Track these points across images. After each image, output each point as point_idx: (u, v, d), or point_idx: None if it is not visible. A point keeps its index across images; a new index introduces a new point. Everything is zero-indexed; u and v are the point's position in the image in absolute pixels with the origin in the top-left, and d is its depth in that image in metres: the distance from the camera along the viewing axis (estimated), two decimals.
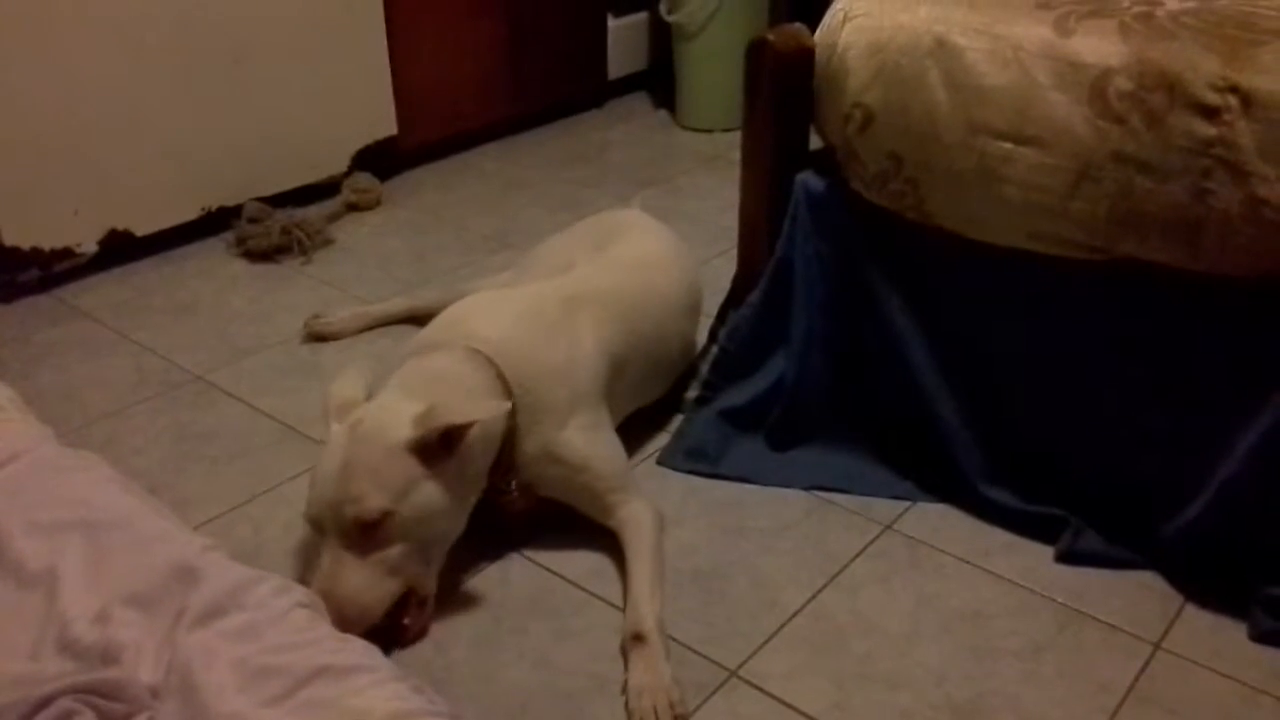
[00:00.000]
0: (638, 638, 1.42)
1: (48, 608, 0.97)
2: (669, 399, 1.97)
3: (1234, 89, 1.36)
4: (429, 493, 1.42)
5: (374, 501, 1.38)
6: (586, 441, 1.60)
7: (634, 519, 1.59)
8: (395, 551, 1.41)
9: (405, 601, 1.45)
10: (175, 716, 0.88)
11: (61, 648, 0.93)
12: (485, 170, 3.09)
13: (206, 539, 1.10)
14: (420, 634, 1.48)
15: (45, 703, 0.87)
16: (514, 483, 1.58)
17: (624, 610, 1.50)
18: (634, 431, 1.91)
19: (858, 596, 1.56)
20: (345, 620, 1.29)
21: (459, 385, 1.51)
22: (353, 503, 1.38)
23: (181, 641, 0.93)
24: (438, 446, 1.42)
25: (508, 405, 1.50)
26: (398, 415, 1.44)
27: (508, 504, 1.60)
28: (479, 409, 1.45)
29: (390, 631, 1.44)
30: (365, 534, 1.39)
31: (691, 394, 1.94)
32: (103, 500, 1.11)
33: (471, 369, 1.53)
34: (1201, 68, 1.38)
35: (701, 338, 2.01)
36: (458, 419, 1.41)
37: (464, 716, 0.92)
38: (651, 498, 1.65)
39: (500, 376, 1.54)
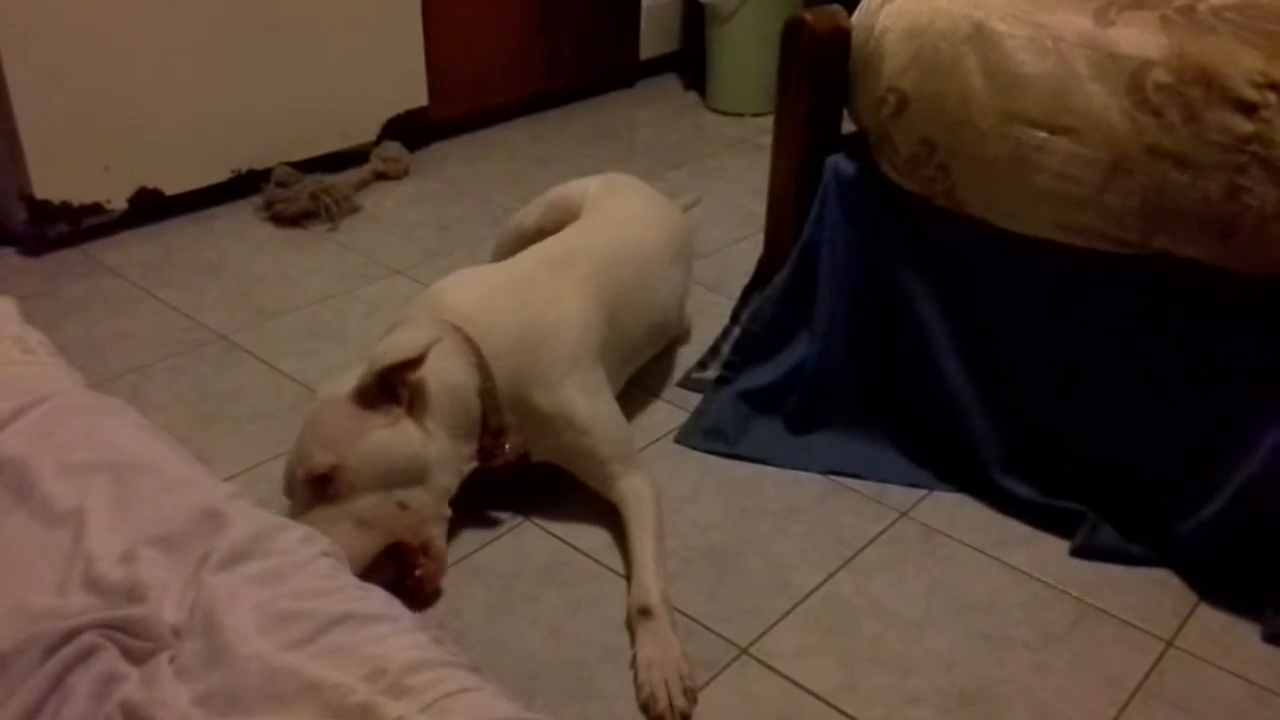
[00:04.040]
0: (644, 612, 1.42)
1: (75, 545, 0.98)
2: (676, 372, 1.98)
3: (1273, 86, 1.35)
4: (378, 440, 1.44)
5: (320, 457, 1.42)
6: (589, 404, 1.61)
7: (635, 493, 1.59)
8: (360, 503, 1.43)
9: (404, 554, 1.46)
10: (197, 656, 0.89)
11: (87, 584, 0.95)
12: (513, 145, 3.09)
13: (232, 486, 1.11)
14: (436, 577, 1.48)
15: (70, 636, 0.89)
16: (508, 446, 1.59)
17: (628, 584, 1.50)
18: (651, 409, 1.92)
19: (870, 581, 1.56)
20: None
21: (410, 342, 1.50)
22: (303, 464, 1.43)
23: (206, 583, 0.94)
24: (380, 393, 1.46)
25: (435, 336, 1.50)
26: (346, 379, 1.49)
27: (504, 467, 1.60)
28: (413, 348, 1.46)
29: (406, 586, 1.45)
30: (321, 490, 1.42)
31: (711, 374, 1.94)
32: (131, 444, 1.12)
33: (435, 334, 1.54)
34: (1242, 63, 1.37)
35: (696, 289, 2.01)
36: (392, 360, 1.44)
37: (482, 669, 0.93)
38: (664, 475, 1.65)
39: (468, 341, 1.55)
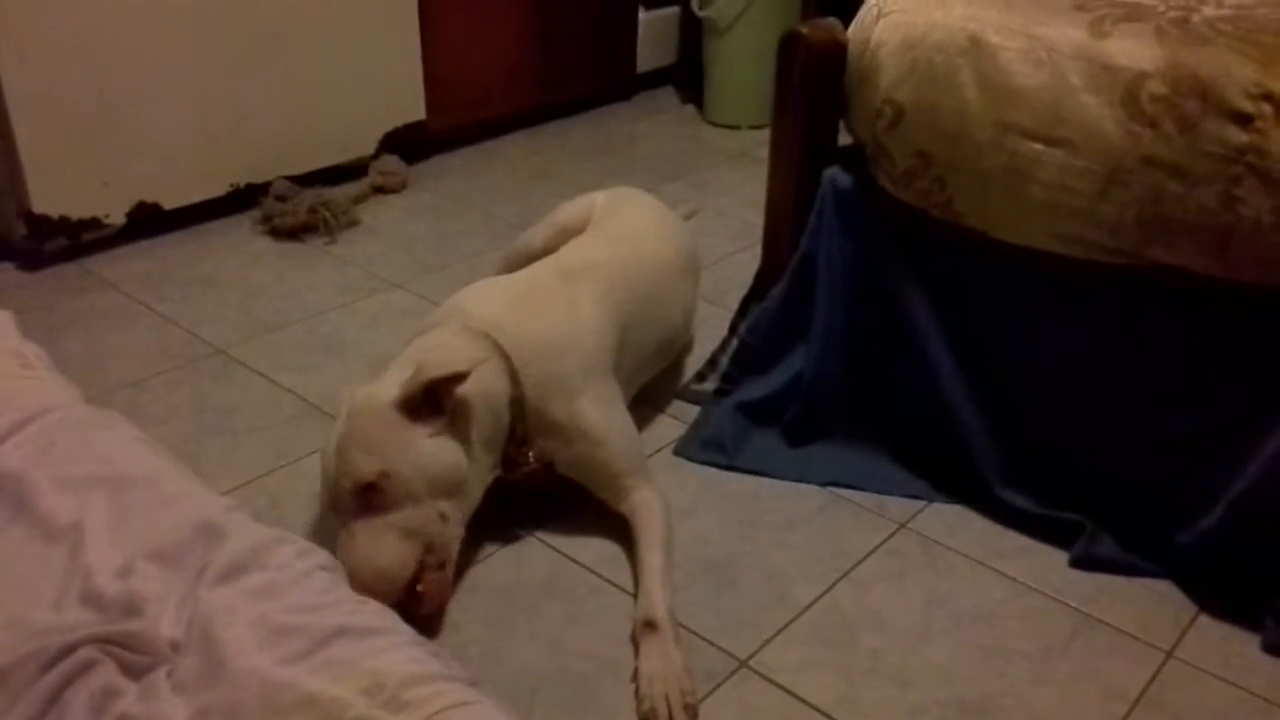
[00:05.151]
0: (650, 625, 1.42)
1: (72, 560, 0.98)
2: (675, 384, 1.99)
3: (1268, 96, 1.36)
4: (425, 449, 1.43)
5: (368, 465, 1.40)
6: (602, 415, 1.61)
7: (646, 506, 1.59)
8: (406, 513, 1.41)
9: (420, 566, 1.44)
10: (195, 670, 0.89)
11: (85, 599, 0.95)
12: (511, 158, 3.10)
13: (230, 500, 1.11)
14: (439, 600, 1.46)
15: (67, 651, 0.88)
16: (531, 454, 1.58)
17: (635, 597, 1.50)
18: (651, 421, 1.92)
19: (870, 593, 1.56)
20: (373, 590, 1.25)
21: (457, 355, 1.51)
22: (348, 474, 1.41)
23: (203, 597, 0.94)
24: (425, 402, 1.45)
25: (488, 357, 1.51)
26: (388, 384, 1.48)
27: (527, 477, 1.60)
28: (461, 362, 1.46)
29: (407, 600, 1.42)
30: (368, 499, 1.41)
31: (709, 386, 1.94)
32: (129, 458, 1.12)
33: (467, 341, 1.55)
34: (1236, 74, 1.38)
35: (703, 304, 2.02)
36: (441, 373, 1.43)
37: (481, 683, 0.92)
38: (662, 487, 1.65)
39: (497, 347, 1.55)
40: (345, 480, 1.41)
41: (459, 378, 1.45)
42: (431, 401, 1.45)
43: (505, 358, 1.56)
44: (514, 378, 1.55)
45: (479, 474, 1.52)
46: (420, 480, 1.42)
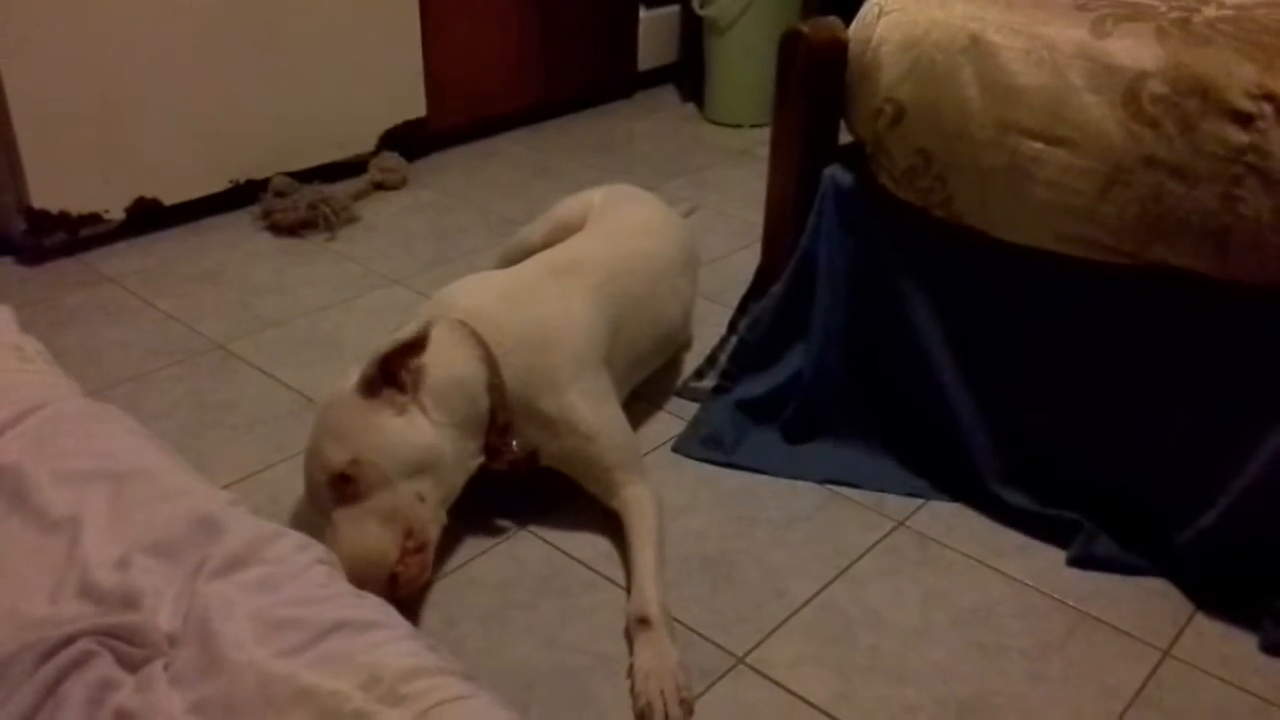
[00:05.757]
0: (643, 621, 1.42)
1: (70, 553, 0.98)
2: (674, 381, 1.99)
3: (1269, 96, 1.36)
4: (392, 430, 1.44)
5: (337, 455, 1.42)
6: (593, 409, 1.61)
7: (637, 502, 1.59)
8: (381, 496, 1.42)
9: (401, 550, 1.43)
10: (192, 663, 0.89)
11: (82, 592, 0.95)
12: (512, 155, 3.10)
13: (229, 494, 1.11)
14: (415, 582, 1.44)
15: (65, 643, 0.88)
16: (515, 443, 1.58)
17: (628, 593, 1.50)
18: (649, 418, 1.92)
19: (867, 590, 1.56)
20: (360, 577, 1.26)
21: (432, 346, 1.51)
22: (322, 466, 1.43)
23: (201, 591, 0.94)
24: (386, 382, 1.46)
25: (429, 323, 1.51)
26: (352, 376, 1.49)
27: (511, 466, 1.59)
28: (408, 334, 1.47)
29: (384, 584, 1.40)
30: (343, 488, 1.42)
31: (708, 383, 1.94)
32: (127, 452, 1.12)
33: (444, 331, 1.55)
34: (1237, 74, 1.38)
35: (703, 302, 2.03)
36: (392, 346, 1.45)
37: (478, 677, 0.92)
38: (661, 484, 1.65)
39: (475, 335, 1.56)
40: (319, 474, 1.43)
41: (411, 348, 1.46)
42: (391, 380, 1.46)
43: (482, 345, 1.56)
44: (492, 365, 1.55)
45: (459, 458, 1.51)
46: (390, 462, 1.43)
